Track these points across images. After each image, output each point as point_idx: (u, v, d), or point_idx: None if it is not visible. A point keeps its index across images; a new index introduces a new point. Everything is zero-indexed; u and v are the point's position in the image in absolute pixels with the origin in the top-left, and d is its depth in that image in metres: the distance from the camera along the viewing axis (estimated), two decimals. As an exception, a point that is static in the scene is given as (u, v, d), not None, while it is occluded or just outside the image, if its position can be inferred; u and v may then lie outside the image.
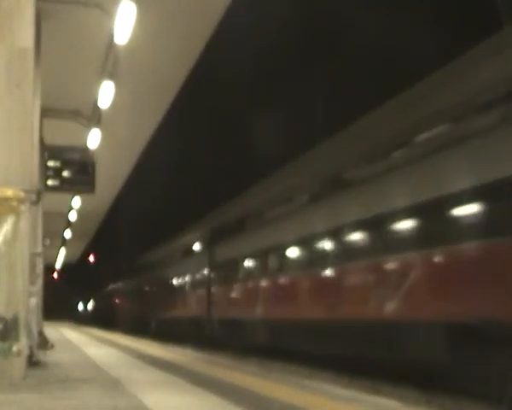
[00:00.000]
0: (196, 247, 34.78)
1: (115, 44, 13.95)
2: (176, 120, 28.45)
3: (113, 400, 7.34)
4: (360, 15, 30.14)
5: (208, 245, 30.40)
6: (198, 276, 31.28)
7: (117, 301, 56.40)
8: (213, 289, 28.43)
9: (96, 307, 70.70)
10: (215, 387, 8.67)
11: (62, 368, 11.04)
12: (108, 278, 60.13)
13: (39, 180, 15.92)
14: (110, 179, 26.28)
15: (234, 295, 26.25)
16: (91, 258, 64.77)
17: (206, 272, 29.80)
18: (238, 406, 7.03)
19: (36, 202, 9.02)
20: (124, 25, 12.61)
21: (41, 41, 13.27)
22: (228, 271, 26.76)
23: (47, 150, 19.84)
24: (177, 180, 53.86)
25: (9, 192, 8.37)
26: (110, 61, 15.11)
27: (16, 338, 8.24)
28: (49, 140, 20.01)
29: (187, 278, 33.62)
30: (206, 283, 29.34)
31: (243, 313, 24.33)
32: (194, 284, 31.82)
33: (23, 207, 8.41)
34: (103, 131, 19.25)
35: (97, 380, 9.29)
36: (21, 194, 8.42)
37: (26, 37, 9.00)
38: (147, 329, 40.39)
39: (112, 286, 59.51)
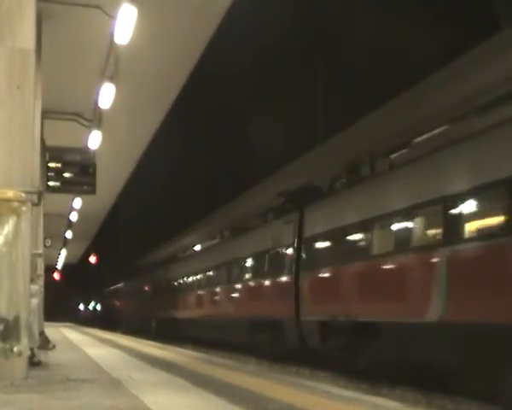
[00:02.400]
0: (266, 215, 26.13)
1: (116, 46, 13.98)
2: (176, 121, 28.43)
3: (114, 400, 7.36)
4: (360, 15, 30.16)
5: (296, 209, 20.02)
6: (271, 257, 21.34)
7: (129, 300, 50.56)
8: (307, 275, 18.51)
9: (102, 308, 69.85)
10: (215, 387, 8.69)
11: (63, 368, 11.06)
12: (116, 276, 58.86)
13: (40, 181, 15.94)
14: (111, 180, 26.31)
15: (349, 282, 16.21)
16: (92, 259, 64.67)
17: (288, 249, 19.84)
18: (238, 406, 7.05)
19: (37, 203, 9.03)
20: (124, 26, 12.64)
21: (42, 42, 13.29)
22: (337, 246, 17.14)
23: (48, 151, 19.87)
24: (177, 180, 53.86)
25: (10, 193, 8.39)
26: (111, 63, 15.14)
27: (17, 339, 8.26)
28: (50, 141, 20.03)
29: (249, 263, 23.90)
30: (289, 267, 19.62)
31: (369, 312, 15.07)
32: (264, 271, 21.81)
33: (24, 209, 8.44)
34: (104, 132, 19.27)
35: (98, 380, 9.31)
36: (22, 195, 8.44)
37: (27, 38, 9.02)
38: (174, 331, 33.85)
39: (123, 284, 55.13)
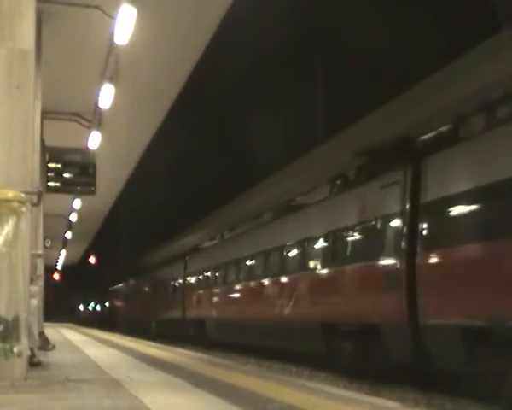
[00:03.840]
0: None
1: (116, 46, 13.98)
2: (176, 122, 28.44)
3: (114, 400, 7.37)
4: (360, 15, 30.18)
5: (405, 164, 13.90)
6: (357, 236, 15.57)
7: (138, 299, 45.47)
8: (431, 258, 12.65)
9: (105, 308, 69.21)
10: (215, 388, 8.69)
11: (63, 369, 11.06)
12: (123, 273, 57.65)
13: (40, 182, 15.94)
14: (111, 180, 26.32)
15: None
16: (92, 259, 64.67)
17: (391, 222, 14.09)
18: (238, 406, 7.05)
19: (37, 204, 9.03)
20: (124, 27, 12.65)
21: (42, 43, 13.30)
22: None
23: (48, 152, 19.88)
24: (177, 181, 53.91)
25: (10, 194, 8.39)
26: (111, 63, 15.14)
27: (17, 339, 8.26)
28: (49, 142, 20.04)
29: (318, 247, 17.70)
30: (392, 247, 13.89)
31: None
32: (345, 256, 15.99)
33: (24, 209, 8.43)
34: (104, 132, 19.28)
35: (98, 381, 9.32)
36: (22, 195, 8.44)
37: (27, 38, 9.02)
38: (198, 333, 28.90)
39: (128, 282, 50.75)
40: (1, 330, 8.17)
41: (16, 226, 8.32)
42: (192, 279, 31.58)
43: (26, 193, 8.51)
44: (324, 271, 17.19)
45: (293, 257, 19.36)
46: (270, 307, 20.29)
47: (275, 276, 20.39)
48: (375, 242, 14.53)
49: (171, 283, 35.70)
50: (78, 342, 22.18)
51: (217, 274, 27.17)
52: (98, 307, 76.63)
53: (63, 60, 15.86)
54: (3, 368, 8.37)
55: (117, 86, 15.83)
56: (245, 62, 39.49)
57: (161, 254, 48.92)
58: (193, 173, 52.65)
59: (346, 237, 16.03)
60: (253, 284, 22.49)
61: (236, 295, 24.31)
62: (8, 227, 8.31)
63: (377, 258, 14.33)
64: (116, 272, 61.79)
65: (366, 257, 14.87)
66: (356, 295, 15.27)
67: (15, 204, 8.37)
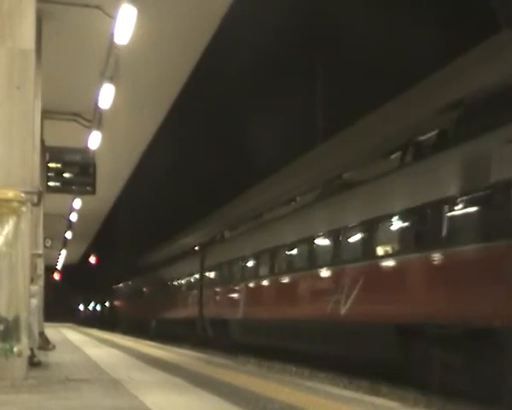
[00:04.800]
0: None
1: (116, 46, 13.97)
2: (176, 121, 28.43)
3: (114, 400, 7.37)
4: (360, 15, 30.19)
5: None
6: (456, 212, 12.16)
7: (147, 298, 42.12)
8: None
9: (106, 308, 68.72)
10: (215, 387, 8.69)
11: (63, 369, 11.06)
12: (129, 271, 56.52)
13: (40, 182, 15.95)
14: (111, 180, 26.31)
15: None
16: (92, 259, 64.63)
17: None
18: (238, 406, 7.05)
19: (37, 204, 9.04)
20: (124, 26, 12.64)
21: (42, 42, 13.30)
22: None
23: (48, 152, 19.87)
24: (177, 180, 53.92)
25: (10, 194, 8.40)
26: (111, 63, 15.13)
27: (17, 339, 8.27)
28: (49, 141, 20.03)
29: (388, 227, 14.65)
30: None
31: None
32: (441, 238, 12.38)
33: (24, 209, 8.45)
34: (104, 132, 19.27)
35: (98, 380, 9.32)
36: (22, 195, 8.45)
37: (27, 38, 9.03)
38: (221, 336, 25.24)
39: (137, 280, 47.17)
40: (1, 330, 8.18)
41: (16, 226, 8.33)
42: (212, 273, 27.67)
43: (26, 193, 8.53)
44: (410, 257, 13.40)
45: (357, 242, 15.74)
46: (320, 304, 16.67)
47: (330, 265, 16.65)
48: (497, 215, 11.00)
49: (184, 279, 32.39)
50: (78, 342, 22.18)
51: (247, 266, 23.17)
52: (98, 307, 76.60)
53: (63, 60, 15.85)
54: (3, 368, 8.38)
55: (117, 86, 15.82)
56: (245, 62, 39.50)
57: (169, 249, 45.95)
58: (193, 173, 52.65)
59: (449, 210, 12.22)
60: (297, 276, 18.62)
61: (274, 290, 20.45)
62: (9, 227, 8.32)
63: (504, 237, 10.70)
64: (117, 272, 61.62)
65: (484, 237, 11.23)
66: (463, 289, 11.58)
67: (15, 204, 8.38)
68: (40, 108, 14.16)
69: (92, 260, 64.93)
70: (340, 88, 31.22)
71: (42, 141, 17.95)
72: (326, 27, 33.42)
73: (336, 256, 16.52)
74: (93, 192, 20.31)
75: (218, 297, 26.26)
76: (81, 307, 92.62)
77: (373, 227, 14.85)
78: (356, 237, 15.84)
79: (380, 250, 14.78)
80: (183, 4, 13.60)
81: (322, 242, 17.76)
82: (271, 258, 20.93)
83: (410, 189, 13.85)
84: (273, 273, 20.68)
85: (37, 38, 9.91)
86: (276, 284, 20.30)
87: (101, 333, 36.68)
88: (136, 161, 25.85)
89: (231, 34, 22.40)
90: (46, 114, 17.44)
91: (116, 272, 62.43)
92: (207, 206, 41.57)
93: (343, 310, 15.44)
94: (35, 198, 8.81)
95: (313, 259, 18.03)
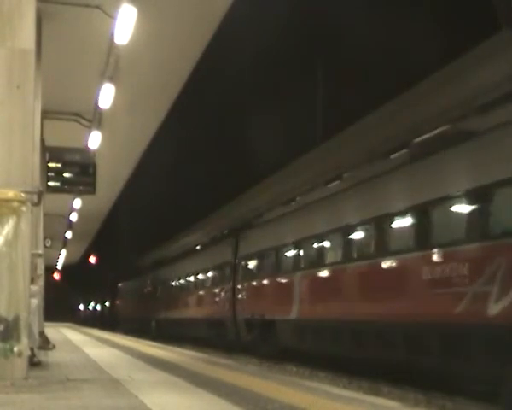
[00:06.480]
0: None
1: (116, 46, 13.98)
2: (176, 121, 28.41)
3: (114, 400, 7.37)
4: (360, 15, 30.19)
5: None
6: None
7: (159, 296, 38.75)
8: None
9: (107, 308, 68.26)
10: (216, 387, 8.70)
11: (63, 368, 11.07)
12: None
13: (40, 181, 15.96)
14: (111, 180, 26.32)
15: None
16: (92, 259, 64.61)
17: None
18: (238, 406, 7.05)
19: (37, 204, 9.05)
20: (124, 26, 12.65)
21: (42, 42, 13.30)
22: None
23: (48, 152, 19.88)
24: (177, 180, 53.91)
25: (10, 193, 8.40)
26: (111, 63, 15.15)
27: (17, 339, 8.27)
28: (49, 141, 20.04)
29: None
30: None
31: None
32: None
33: (24, 209, 8.45)
34: (104, 132, 19.28)
35: (98, 380, 9.32)
36: (22, 195, 8.45)
37: (27, 38, 9.04)
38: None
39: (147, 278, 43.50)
40: (1, 330, 8.18)
41: (16, 226, 8.34)
42: (251, 263, 22.99)
43: (26, 193, 8.53)
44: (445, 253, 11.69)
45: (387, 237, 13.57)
46: (434, 298, 12.39)
47: (442, 247, 12.37)
48: None
49: (207, 272, 28.13)
50: (78, 342, 22.18)
51: (306, 252, 18.72)
52: (99, 307, 76.57)
53: (63, 60, 15.85)
54: (4, 368, 8.38)
55: (117, 86, 15.83)
56: (245, 62, 39.49)
57: (186, 240, 41.37)
58: (193, 173, 52.64)
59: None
60: (387, 261, 14.12)
61: (349, 281, 15.87)
62: (9, 227, 8.33)
63: None
64: (120, 271, 61.45)
65: None
66: None
67: (15, 204, 8.39)
68: (40, 108, 14.16)
69: (92, 259, 64.91)
70: (340, 88, 31.23)
71: (42, 141, 17.95)
72: (326, 27, 33.40)
73: (449, 234, 12.36)
74: (93, 192, 20.32)
75: (259, 293, 21.62)
76: (81, 307, 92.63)
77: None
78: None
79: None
80: (183, 4, 13.60)
81: (423, 216, 13.02)
82: (343, 240, 16.14)
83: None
84: (348, 259, 15.86)
85: (37, 38, 9.92)
86: (352, 273, 15.59)
87: (101, 333, 36.68)
88: (136, 161, 25.85)
89: (231, 34, 22.37)
90: (46, 114, 17.44)
91: (119, 271, 62.26)
92: (207, 206, 41.56)
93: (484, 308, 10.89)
94: (35, 198, 8.82)
95: (413, 237, 13.33)
